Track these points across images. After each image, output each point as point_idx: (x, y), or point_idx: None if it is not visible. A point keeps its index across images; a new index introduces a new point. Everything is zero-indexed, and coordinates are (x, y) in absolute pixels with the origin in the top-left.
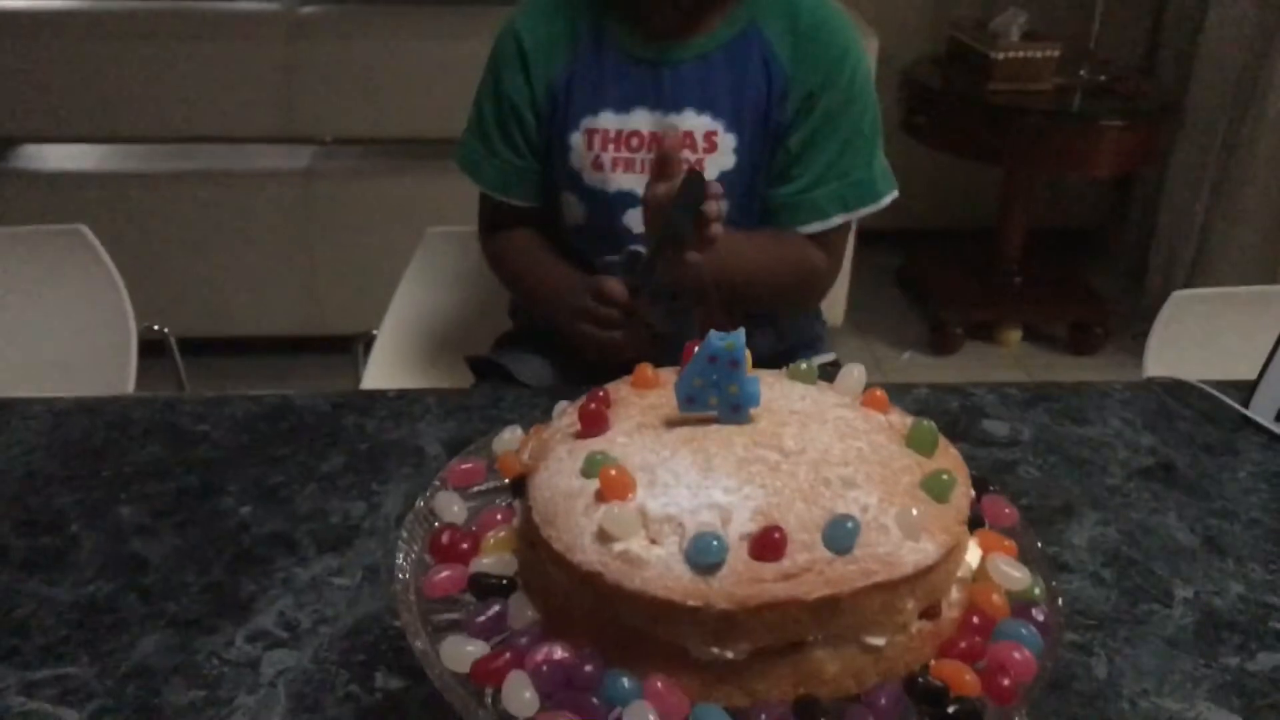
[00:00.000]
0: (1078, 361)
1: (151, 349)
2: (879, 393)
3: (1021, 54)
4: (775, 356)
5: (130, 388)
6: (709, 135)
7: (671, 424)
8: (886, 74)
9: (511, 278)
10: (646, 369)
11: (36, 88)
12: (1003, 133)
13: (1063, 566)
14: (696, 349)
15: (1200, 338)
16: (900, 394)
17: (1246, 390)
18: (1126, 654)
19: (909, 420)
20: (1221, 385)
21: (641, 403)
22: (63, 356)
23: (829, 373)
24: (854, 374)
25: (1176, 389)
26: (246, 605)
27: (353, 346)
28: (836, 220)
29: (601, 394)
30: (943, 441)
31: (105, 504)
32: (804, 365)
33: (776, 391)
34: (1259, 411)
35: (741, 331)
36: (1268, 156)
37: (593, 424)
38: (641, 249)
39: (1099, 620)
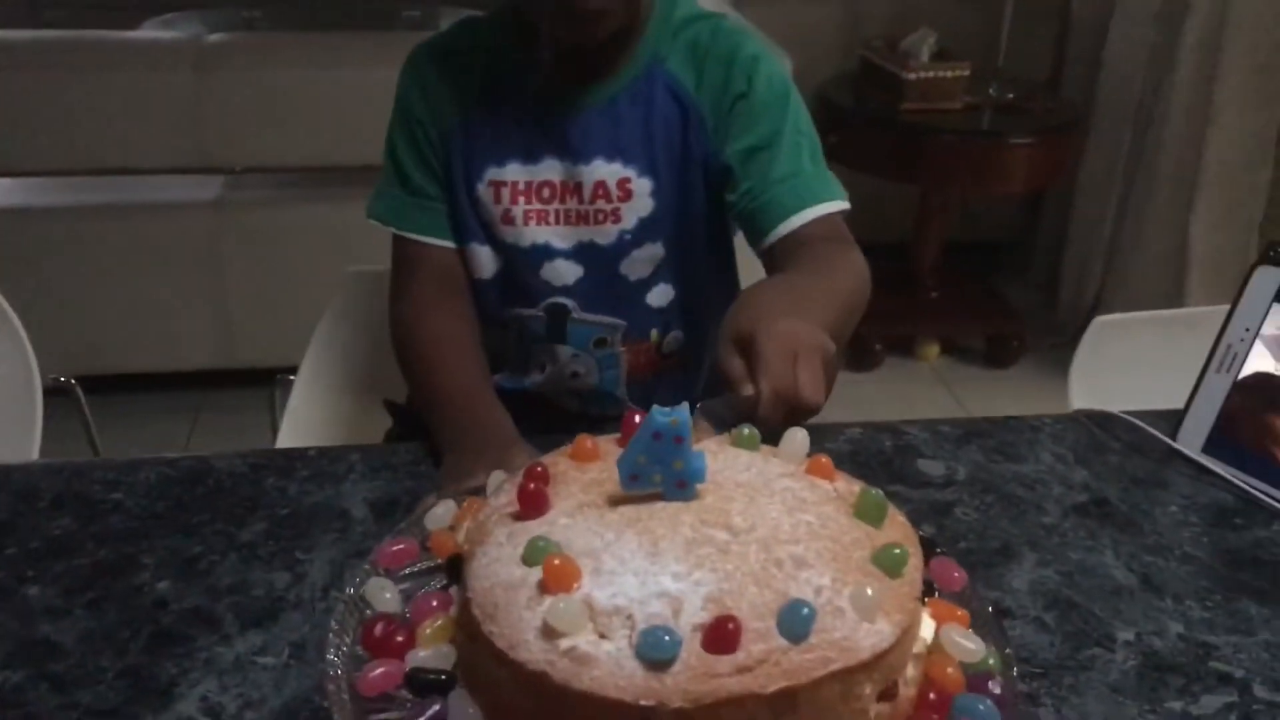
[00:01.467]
0: (996, 374)
1: (58, 392)
2: (824, 459)
3: (932, 74)
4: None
5: (36, 445)
6: (622, 183)
7: (615, 502)
8: (799, 93)
9: (421, 364)
10: (586, 440)
11: None
12: (916, 152)
13: (1006, 612)
14: (638, 421)
15: (1123, 363)
16: (833, 434)
17: (1173, 420)
18: (1074, 703)
19: (855, 488)
20: (1148, 416)
21: (582, 478)
22: None
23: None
24: (797, 438)
25: (1104, 421)
26: (167, 690)
27: (268, 381)
28: (821, 210)
29: (540, 470)
30: (891, 509)
31: (11, 584)
32: (746, 431)
33: (721, 462)
34: (1186, 443)
35: (685, 406)
36: (1169, 172)
37: (533, 506)
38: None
39: (1044, 668)
